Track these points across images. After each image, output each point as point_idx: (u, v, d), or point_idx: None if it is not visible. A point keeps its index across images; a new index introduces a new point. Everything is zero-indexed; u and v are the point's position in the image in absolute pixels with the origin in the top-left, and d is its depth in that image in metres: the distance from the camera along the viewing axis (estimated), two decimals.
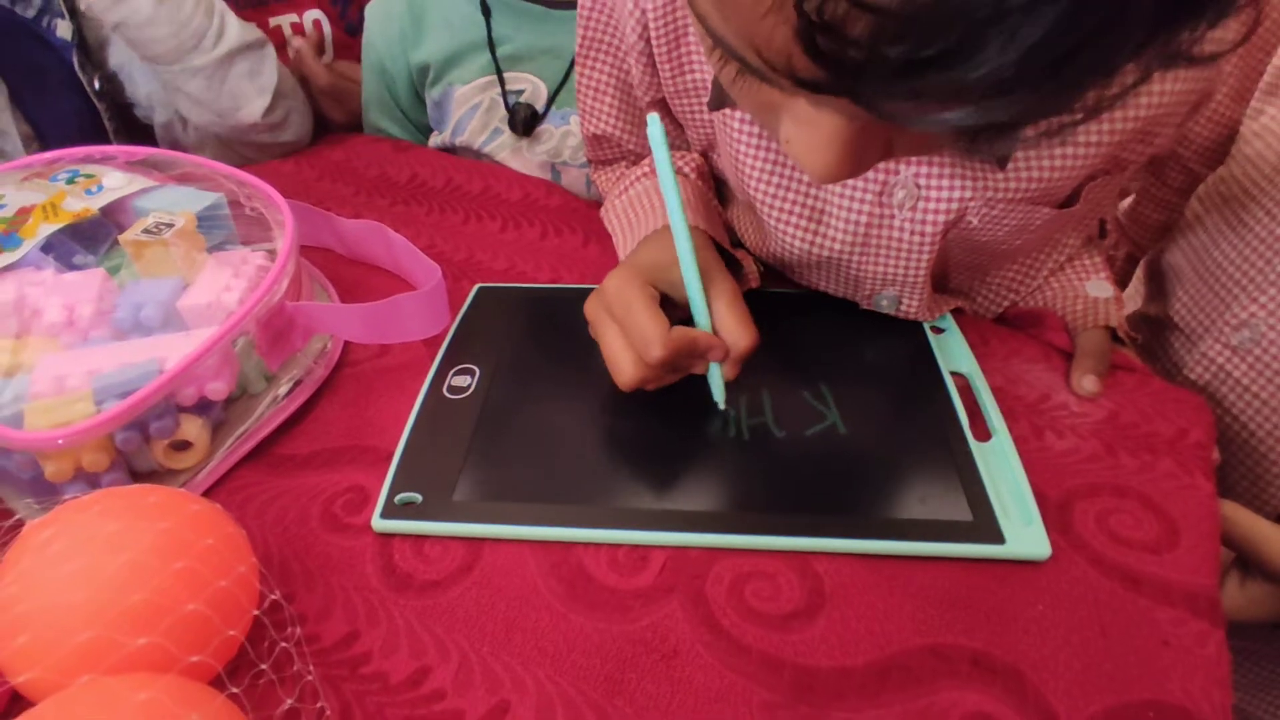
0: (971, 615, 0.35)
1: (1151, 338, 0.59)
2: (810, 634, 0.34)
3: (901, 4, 0.19)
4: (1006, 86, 0.20)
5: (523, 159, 0.72)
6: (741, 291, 0.43)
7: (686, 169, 0.54)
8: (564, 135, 0.70)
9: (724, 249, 0.48)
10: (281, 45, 0.78)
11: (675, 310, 0.42)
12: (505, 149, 0.72)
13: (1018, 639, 0.34)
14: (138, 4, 0.61)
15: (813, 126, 0.26)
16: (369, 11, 0.74)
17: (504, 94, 0.70)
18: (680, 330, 0.40)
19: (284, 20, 0.79)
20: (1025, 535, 0.37)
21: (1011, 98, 0.21)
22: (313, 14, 0.80)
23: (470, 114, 0.72)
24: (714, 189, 0.56)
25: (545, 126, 0.70)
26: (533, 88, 0.70)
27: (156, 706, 0.23)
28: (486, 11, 0.69)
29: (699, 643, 0.34)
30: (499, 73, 0.69)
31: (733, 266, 0.51)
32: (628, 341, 0.40)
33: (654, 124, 0.37)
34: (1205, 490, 0.41)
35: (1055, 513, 0.39)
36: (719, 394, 0.43)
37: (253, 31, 0.68)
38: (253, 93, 0.68)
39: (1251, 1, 0.22)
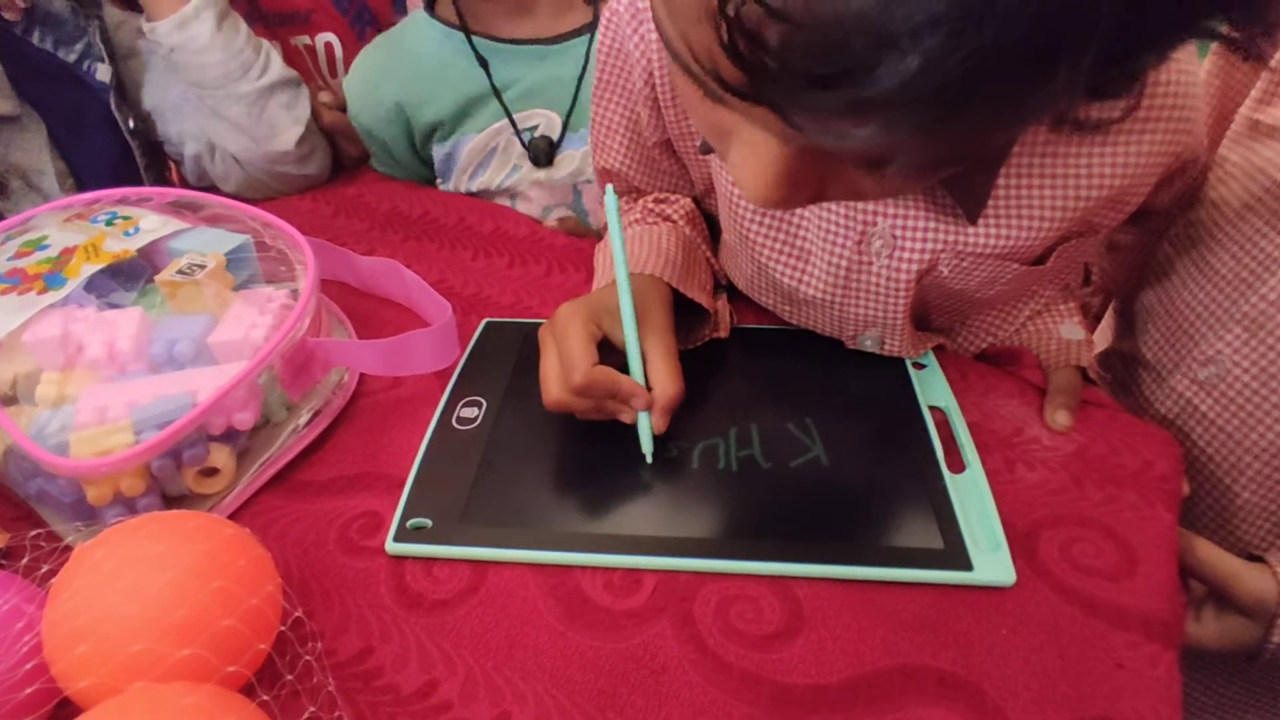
0: (939, 637, 0.38)
1: (1123, 373, 0.62)
2: (789, 653, 0.37)
3: (805, 16, 0.21)
4: (903, 108, 0.22)
5: (544, 187, 0.75)
6: (712, 337, 0.45)
7: (675, 215, 0.57)
8: (584, 155, 0.74)
9: (698, 300, 0.51)
10: (306, 69, 0.82)
11: (616, 356, 0.45)
12: (527, 180, 0.75)
13: (981, 660, 0.37)
14: (197, 31, 0.67)
15: (752, 150, 0.29)
16: (348, 86, 0.75)
17: (518, 134, 0.73)
18: (604, 369, 0.43)
19: (300, 41, 0.82)
20: (992, 563, 0.40)
21: (910, 121, 0.22)
22: (325, 37, 0.83)
23: (489, 159, 0.75)
24: (707, 234, 0.59)
25: (565, 152, 0.74)
26: (546, 121, 0.73)
27: (200, 711, 0.26)
28: (484, 63, 0.72)
29: (685, 660, 0.37)
30: (509, 116, 0.73)
31: (703, 316, 0.54)
32: (559, 365, 0.44)
33: (609, 194, 0.43)
34: (1165, 520, 0.44)
35: (1022, 541, 0.42)
36: (646, 444, 0.45)
37: (291, 72, 0.74)
38: (289, 122, 0.73)
39: (1139, 91, 0.25)
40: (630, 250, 0.52)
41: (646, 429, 0.45)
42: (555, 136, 0.73)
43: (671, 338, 0.47)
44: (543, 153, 0.73)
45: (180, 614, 0.29)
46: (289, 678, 0.33)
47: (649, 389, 0.44)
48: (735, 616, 0.38)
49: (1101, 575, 0.41)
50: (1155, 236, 0.64)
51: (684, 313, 0.51)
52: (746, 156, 0.30)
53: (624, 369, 0.45)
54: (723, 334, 0.54)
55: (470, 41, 0.71)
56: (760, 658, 0.37)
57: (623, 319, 0.45)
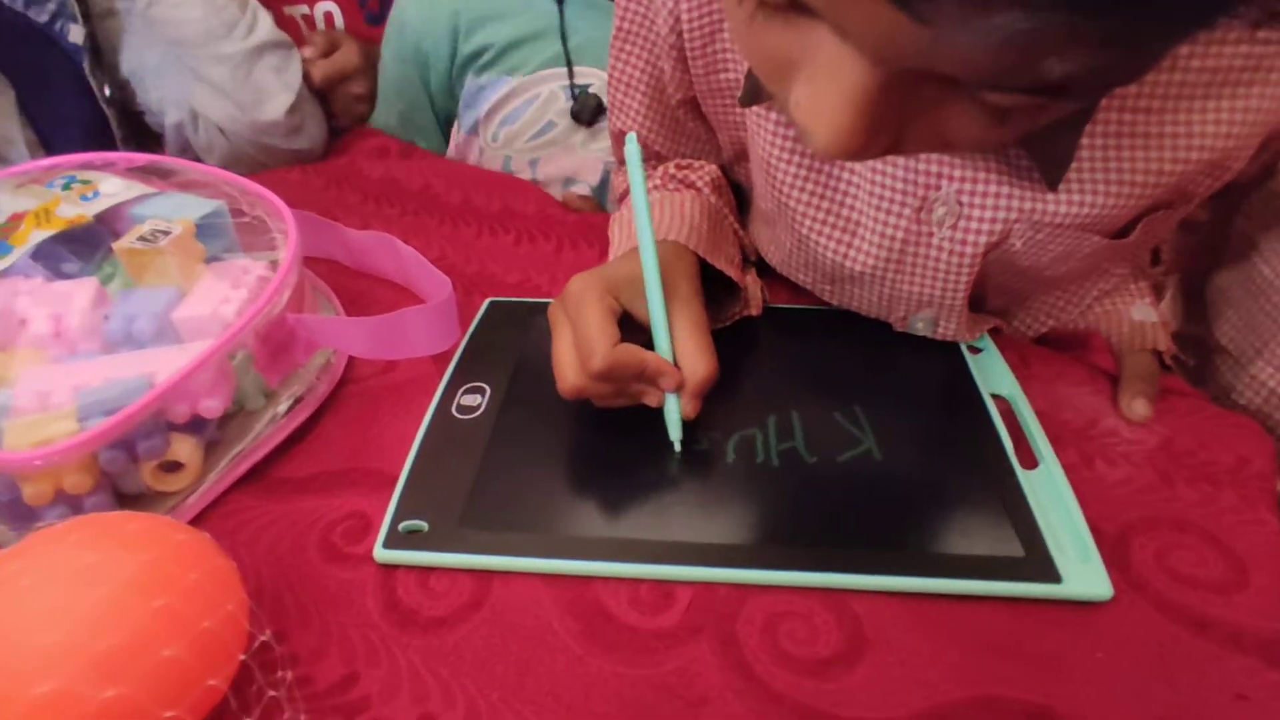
0: (1025, 663, 0.32)
1: (1197, 360, 0.57)
2: (849, 682, 0.31)
3: None
4: None
5: (574, 155, 0.70)
6: (742, 316, 0.40)
7: (699, 182, 0.51)
8: None
9: (726, 273, 0.46)
10: (301, 40, 0.77)
11: (638, 333, 0.40)
12: (556, 144, 0.70)
13: (1076, 690, 0.31)
14: None
15: (830, 78, 0.23)
16: None
17: (572, 85, 0.68)
18: (628, 347, 0.38)
19: (297, 11, 0.78)
20: (1083, 573, 0.34)
21: (1080, 5, 0.18)
22: (325, 6, 0.78)
23: (526, 105, 0.70)
24: (732, 203, 0.53)
25: (606, 124, 0.69)
26: (600, 82, 0.69)
27: None
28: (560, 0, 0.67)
29: (729, 690, 0.31)
30: (569, 64, 0.68)
31: (732, 291, 0.48)
32: (575, 347, 0.38)
33: (630, 142, 0.37)
34: (1272, 526, 0.38)
35: (1111, 548, 0.36)
36: (674, 431, 0.39)
37: (281, 34, 0.69)
38: (278, 88, 0.68)
39: None
40: (652, 217, 0.47)
41: (675, 414, 0.39)
42: (605, 100, 0.68)
43: (701, 310, 0.41)
44: (589, 109, 0.68)
45: (110, 641, 0.23)
46: None
47: (677, 368, 0.39)
48: (785, 637, 0.33)
49: (1208, 588, 0.35)
50: (1229, 210, 0.59)
51: (710, 289, 0.45)
52: (820, 89, 0.24)
53: (648, 347, 0.39)
54: (754, 311, 0.49)
55: None
56: (816, 687, 0.31)
57: (647, 287, 0.39)
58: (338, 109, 0.77)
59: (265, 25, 0.67)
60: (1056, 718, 0.30)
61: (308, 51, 0.73)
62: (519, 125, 0.70)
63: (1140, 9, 0.18)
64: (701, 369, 0.38)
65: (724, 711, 0.30)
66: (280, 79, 0.68)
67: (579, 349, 0.38)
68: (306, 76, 0.71)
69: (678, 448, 0.40)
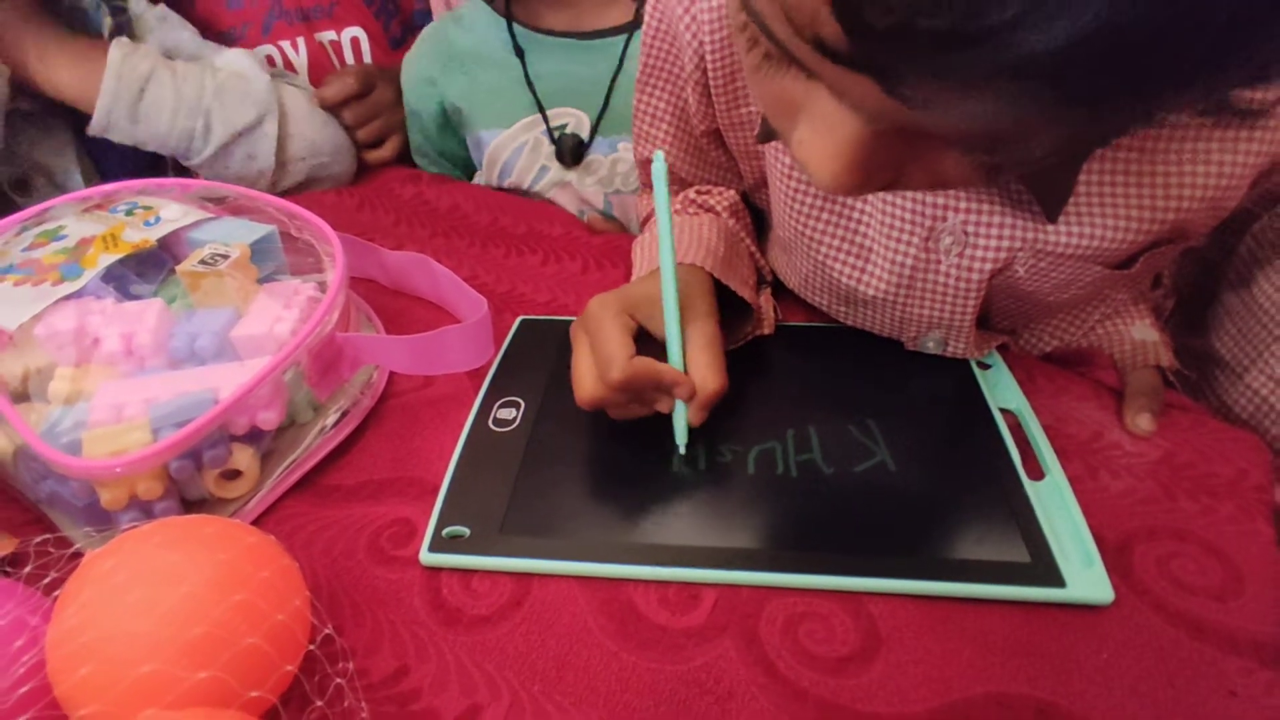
0: (1034, 662, 0.34)
1: (1196, 371, 0.58)
2: (867, 679, 0.33)
3: None
4: (1044, 77, 0.19)
5: (572, 192, 0.72)
6: (756, 335, 0.41)
7: (718, 206, 0.54)
8: (613, 163, 0.71)
9: (741, 293, 0.48)
10: (328, 66, 0.80)
11: (654, 348, 0.42)
12: (555, 186, 0.72)
13: (1084, 688, 0.33)
14: (116, 119, 0.63)
15: (828, 127, 0.26)
16: (403, 65, 0.76)
17: (549, 130, 0.71)
18: (644, 360, 0.40)
19: (325, 37, 0.79)
20: (1086, 578, 0.36)
21: (1047, 93, 0.19)
22: (352, 31, 0.80)
23: (515, 155, 0.72)
24: (750, 227, 0.56)
25: (594, 156, 0.71)
26: (576, 120, 0.71)
27: None
28: (519, 53, 0.70)
29: (754, 684, 0.33)
30: (541, 109, 0.70)
31: (747, 312, 0.51)
32: (594, 360, 0.41)
33: (658, 160, 0.39)
34: (1267, 536, 0.40)
35: (1114, 555, 0.38)
36: (681, 436, 0.42)
37: (246, 111, 0.66)
38: (254, 174, 0.69)
39: None
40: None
41: (682, 420, 0.42)
42: (586, 135, 0.71)
43: (715, 327, 0.43)
44: (570, 150, 0.70)
45: (197, 631, 0.26)
46: (318, 703, 0.30)
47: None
48: (805, 636, 0.35)
49: (1206, 594, 0.37)
50: (1229, 233, 0.60)
51: (726, 310, 0.47)
52: (819, 135, 0.26)
53: (663, 360, 0.41)
54: (766, 330, 0.51)
55: (510, 29, 0.69)
56: (836, 683, 0.33)
57: (664, 301, 0.41)
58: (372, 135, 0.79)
59: (219, 123, 0.65)
60: (1063, 714, 0.32)
61: (331, 89, 0.73)
62: (516, 174, 0.73)
63: (1110, 97, 0.20)
64: (712, 383, 0.41)
65: (749, 705, 0.32)
66: (254, 166, 0.68)
67: (598, 362, 0.41)
68: (334, 111, 0.73)
69: (682, 451, 0.42)
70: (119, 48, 0.63)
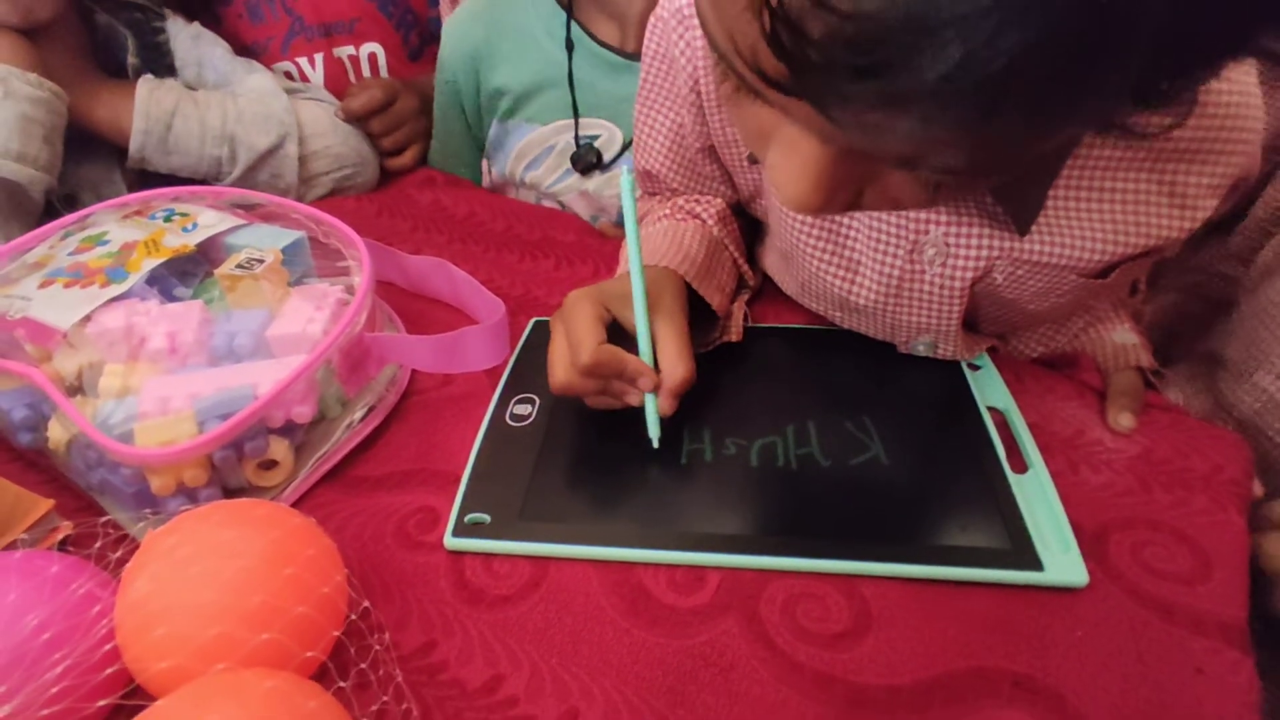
0: (1013, 640, 0.37)
1: (1203, 372, 0.60)
2: (859, 653, 0.36)
3: (848, 5, 0.20)
4: (941, 101, 0.21)
5: (590, 199, 0.74)
6: (722, 342, 0.44)
7: (704, 214, 0.57)
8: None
9: (711, 300, 0.51)
10: (345, 80, 0.82)
11: (627, 342, 0.45)
12: (572, 191, 0.74)
13: (1058, 663, 0.36)
14: (150, 153, 0.66)
15: (790, 151, 0.29)
16: (445, 28, 0.76)
17: (577, 135, 0.72)
18: (611, 348, 0.43)
19: (344, 52, 0.81)
20: (1063, 563, 0.39)
21: (948, 117, 0.22)
22: (370, 47, 0.82)
23: (545, 154, 0.74)
24: (737, 236, 0.58)
25: (618, 170, 0.73)
26: (608, 134, 0.72)
27: (280, 695, 0.26)
28: (569, 47, 0.70)
29: (755, 658, 0.36)
30: (576, 111, 0.71)
31: (717, 319, 0.53)
32: (566, 347, 0.44)
33: (625, 176, 0.42)
34: (1238, 525, 0.43)
35: (1091, 543, 0.41)
36: (653, 429, 0.44)
37: (267, 134, 0.69)
38: (280, 191, 0.71)
39: (1190, 103, 0.24)
40: (652, 245, 0.52)
41: (653, 412, 0.44)
42: (611, 154, 0.72)
43: (683, 321, 0.46)
44: (586, 161, 0.72)
45: (255, 600, 0.29)
46: (363, 666, 0.33)
47: (658, 371, 0.44)
48: (802, 615, 0.38)
49: (1176, 579, 0.40)
50: (1249, 248, 0.62)
51: (700, 316, 0.50)
52: (785, 157, 0.29)
53: (635, 353, 0.44)
54: (734, 338, 0.53)
55: (568, 24, 0.70)
56: (831, 657, 0.36)
57: (634, 296, 0.44)
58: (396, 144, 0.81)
59: (244, 147, 0.68)
60: (1039, 685, 0.35)
61: (357, 101, 0.75)
62: (541, 171, 0.75)
63: (1020, 121, 0.23)
64: (680, 371, 0.43)
65: (750, 676, 0.35)
66: (279, 186, 0.71)
67: (570, 348, 0.44)
68: (358, 118, 0.76)
69: (655, 444, 0.44)
70: (144, 85, 0.66)
